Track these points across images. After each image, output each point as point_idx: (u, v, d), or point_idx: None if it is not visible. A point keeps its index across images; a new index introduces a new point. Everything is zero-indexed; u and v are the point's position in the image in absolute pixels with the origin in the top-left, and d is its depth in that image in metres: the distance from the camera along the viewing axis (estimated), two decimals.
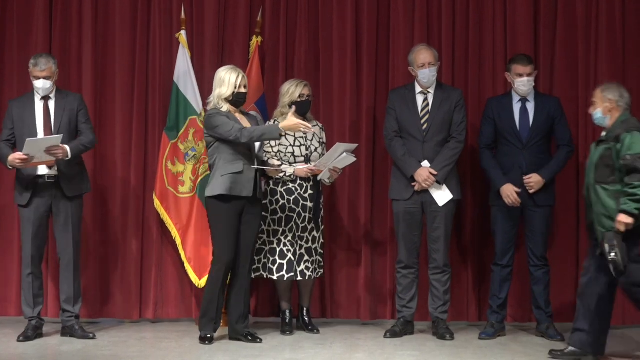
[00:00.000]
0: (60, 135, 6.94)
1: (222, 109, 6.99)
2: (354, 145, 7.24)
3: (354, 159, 7.27)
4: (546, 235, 7.36)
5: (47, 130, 7.02)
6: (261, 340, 7.01)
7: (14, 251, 7.83)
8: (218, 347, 6.87)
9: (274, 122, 7.32)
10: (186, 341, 7.11)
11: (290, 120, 6.85)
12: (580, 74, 7.84)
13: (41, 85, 7.04)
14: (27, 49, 7.86)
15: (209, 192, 6.97)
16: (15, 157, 6.85)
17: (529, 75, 7.28)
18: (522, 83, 7.28)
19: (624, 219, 6.22)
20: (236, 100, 7.01)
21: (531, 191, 7.23)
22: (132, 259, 7.86)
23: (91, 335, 7.11)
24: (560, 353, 6.58)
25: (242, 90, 7.02)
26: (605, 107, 6.53)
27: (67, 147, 6.94)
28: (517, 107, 7.35)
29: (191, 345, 6.98)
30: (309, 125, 6.89)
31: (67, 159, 6.97)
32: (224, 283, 7.01)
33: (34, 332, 7.07)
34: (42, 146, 6.83)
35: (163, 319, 7.89)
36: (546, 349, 6.88)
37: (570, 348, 6.56)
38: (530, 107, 7.34)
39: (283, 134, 6.84)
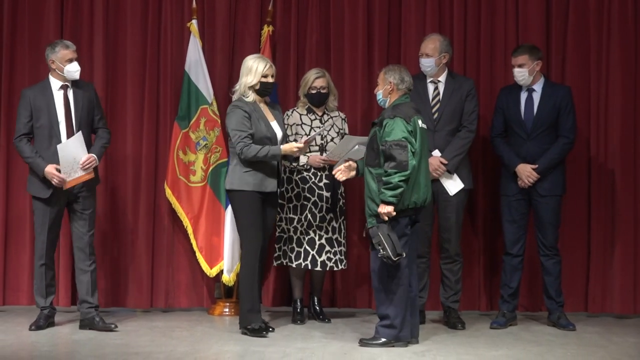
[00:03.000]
0: (79, 134, 6.94)
1: (248, 98, 6.94)
2: (365, 138, 7.22)
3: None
4: (555, 225, 7.33)
5: (69, 122, 6.98)
6: (273, 329, 7.02)
7: (25, 241, 7.84)
8: (229, 336, 6.88)
9: (292, 111, 7.41)
10: (198, 330, 7.13)
11: (290, 144, 6.84)
12: (592, 64, 7.81)
13: (76, 67, 7.00)
14: (39, 40, 7.86)
15: (229, 185, 6.93)
16: (54, 175, 6.85)
17: (519, 66, 7.24)
18: (514, 73, 7.28)
19: (382, 208, 6.37)
20: (263, 89, 6.97)
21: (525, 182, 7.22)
22: (144, 248, 7.87)
23: (113, 326, 7.04)
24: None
25: (269, 80, 6.97)
26: (385, 89, 6.67)
27: (95, 156, 6.99)
28: (523, 97, 7.33)
29: (203, 334, 6.99)
30: (300, 146, 6.84)
31: (97, 165, 7.05)
32: (257, 272, 6.94)
33: (45, 321, 7.07)
34: (72, 150, 6.85)
35: (174, 308, 7.90)
36: (558, 339, 6.90)
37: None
38: (536, 97, 7.30)
39: (281, 157, 6.88)
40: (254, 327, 6.85)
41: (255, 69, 6.94)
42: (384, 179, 6.36)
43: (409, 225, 6.55)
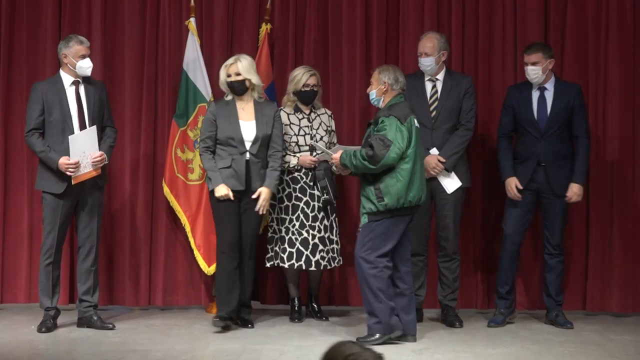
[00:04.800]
0: (93, 127, 6.92)
1: (227, 97, 7.12)
2: (355, 148, 7.24)
3: None
4: (564, 224, 7.32)
5: (81, 117, 6.94)
6: (252, 325, 7.09)
7: (23, 238, 7.84)
8: (227, 334, 6.88)
9: (280, 112, 7.36)
10: (195, 328, 7.13)
11: (221, 189, 6.99)
12: (590, 61, 7.81)
13: (89, 64, 6.95)
14: (37, 37, 7.87)
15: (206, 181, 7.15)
16: (66, 164, 6.78)
17: (533, 64, 7.21)
18: (527, 71, 7.24)
19: (336, 156, 6.67)
20: (233, 88, 7.11)
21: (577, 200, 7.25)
22: (142, 246, 7.87)
23: (110, 325, 7.03)
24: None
25: (234, 78, 7.08)
26: (379, 89, 6.70)
27: (105, 154, 6.96)
28: (535, 96, 7.29)
29: (201, 332, 6.99)
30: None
31: (106, 163, 7.03)
32: (232, 267, 7.00)
33: (53, 322, 6.97)
34: (83, 143, 6.82)
35: (172, 306, 7.89)
36: (556, 337, 6.91)
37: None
38: (549, 95, 7.27)
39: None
40: (221, 315, 7.00)
41: (223, 65, 7.15)
42: (362, 153, 6.48)
43: (407, 224, 6.57)
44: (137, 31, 7.92)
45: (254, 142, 7.05)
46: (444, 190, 7.27)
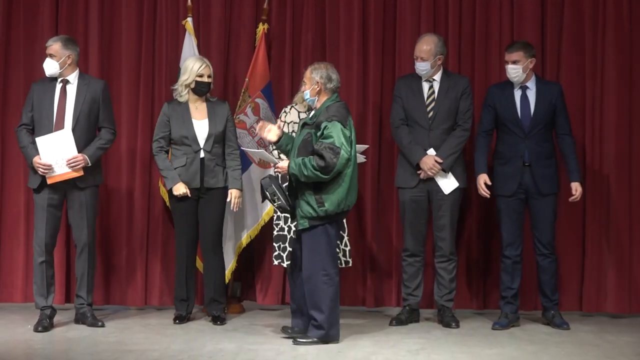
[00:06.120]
0: (65, 130, 6.90)
1: (181, 98, 7.22)
2: (364, 147, 7.25)
3: (364, 160, 7.34)
4: (552, 223, 7.32)
5: (59, 116, 6.95)
6: (222, 323, 7.18)
7: (19, 237, 7.84)
8: (223, 334, 6.88)
9: (291, 108, 7.39)
10: (192, 328, 7.12)
11: (179, 187, 7.12)
12: (587, 62, 7.81)
13: (47, 64, 6.98)
14: (34, 35, 7.88)
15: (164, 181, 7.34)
16: (38, 163, 6.83)
17: (513, 62, 7.20)
18: (507, 70, 7.23)
19: (283, 165, 6.46)
20: (197, 89, 7.20)
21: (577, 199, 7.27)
22: (138, 245, 7.87)
23: (99, 323, 7.05)
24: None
25: (205, 79, 7.20)
26: (313, 89, 6.59)
27: (86, 156, 6.92)
28: (517, 95, 7.28)
29: (197, 331, 6.99)
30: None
31: (88, 165, 6.98)
32: (189, 263, 7.27)
33: (49, 322, 6.97)
34: (53, 145, 6.82)
35: (168, 305, 7.88)
36: (552, 337, 6.91)
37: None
38: (531, 94, 7.27)
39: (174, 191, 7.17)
40: (178, 314, 7.28)
41: (191, 67, 7.19)
42: (312, 162, 6.34)
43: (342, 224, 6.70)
44: (134, 31, 7.92)
45: (207, 140, 7.19)
46: (441, 191, 7.27)
